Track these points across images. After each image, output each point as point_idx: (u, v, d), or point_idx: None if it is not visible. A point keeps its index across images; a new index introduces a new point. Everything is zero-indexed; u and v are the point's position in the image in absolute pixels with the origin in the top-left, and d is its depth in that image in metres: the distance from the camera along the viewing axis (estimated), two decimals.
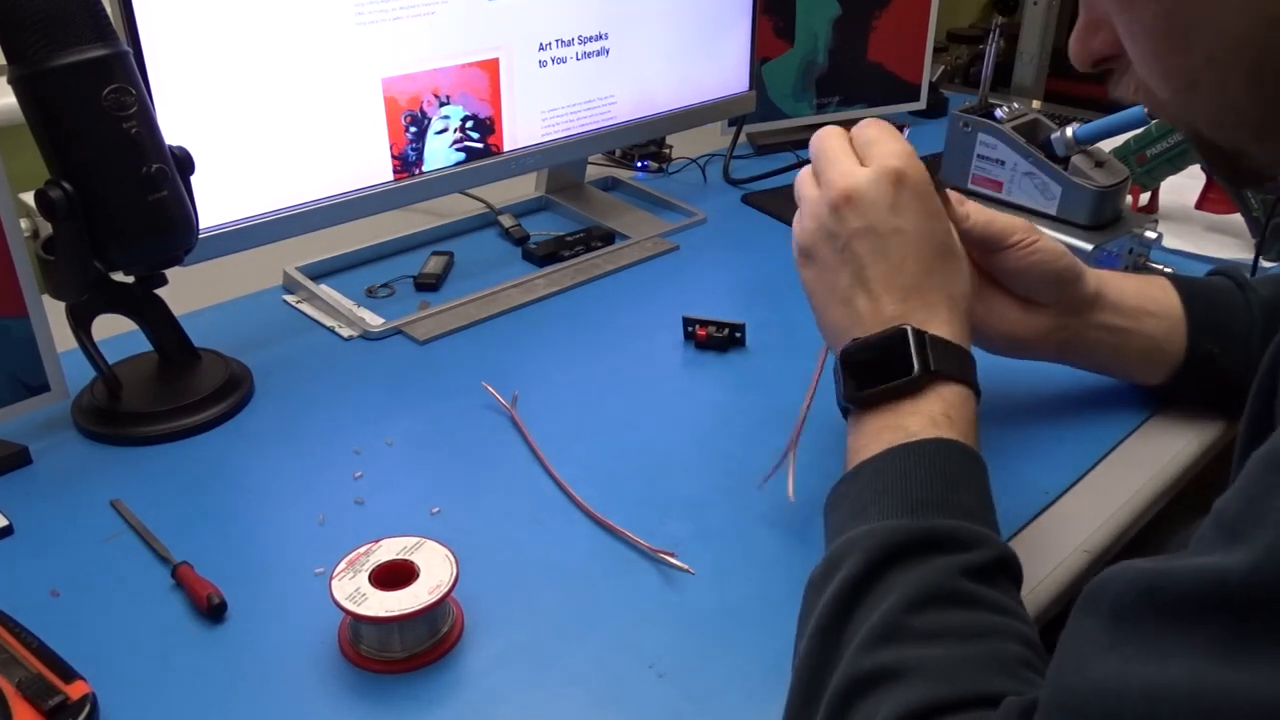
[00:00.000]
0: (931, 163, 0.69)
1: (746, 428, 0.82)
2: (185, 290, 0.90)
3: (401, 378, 0.90)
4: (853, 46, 1.46)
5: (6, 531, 0.70)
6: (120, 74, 0.73)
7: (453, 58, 1.00)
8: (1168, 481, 0.76)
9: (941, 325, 0.61)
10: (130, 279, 0.82)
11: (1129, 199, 1.13)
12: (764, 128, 1.44)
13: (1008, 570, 0.53)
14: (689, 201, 1.26)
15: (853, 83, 1.48)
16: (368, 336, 0.96)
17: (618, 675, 0.59)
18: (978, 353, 0.64)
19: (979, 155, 1.11)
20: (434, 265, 1.08)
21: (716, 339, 0.93)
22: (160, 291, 0.84)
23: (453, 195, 1.13)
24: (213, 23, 0.84)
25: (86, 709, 0.54)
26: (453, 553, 0.62)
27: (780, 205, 1.25)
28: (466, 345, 0.95)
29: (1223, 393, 0.78)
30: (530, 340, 0.96)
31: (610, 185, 1.34)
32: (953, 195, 0.69)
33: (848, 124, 0.66)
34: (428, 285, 1.05)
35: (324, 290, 1.03)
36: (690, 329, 0.94)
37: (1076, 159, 1.04)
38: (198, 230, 0.80)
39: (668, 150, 1.40)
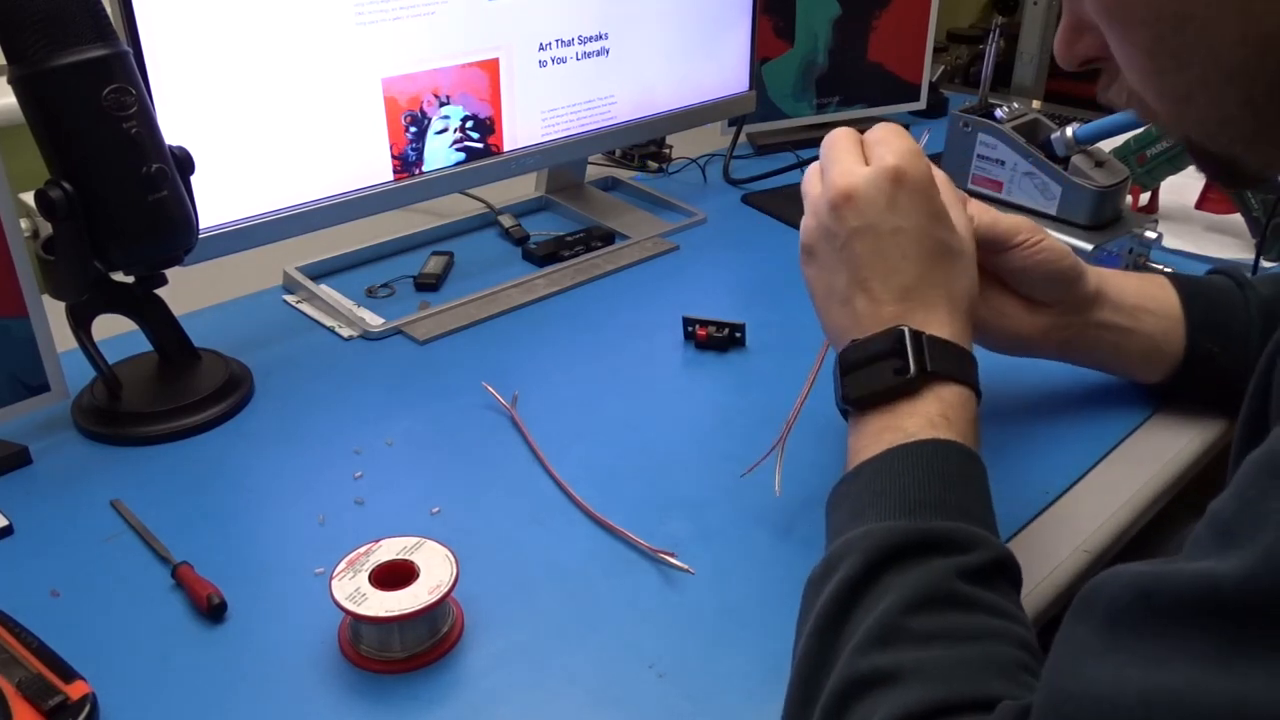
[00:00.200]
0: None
1: (746, 428, 0.82)
2: (185, 290, 0.90)
3: (401, 378, 0.90)
4: (853, 46, 1.46)
5: (6, 531, 0.70)
6: (120, 74, 0.73)
7: (453, 58, 1.00)
8: (1168, 481, 0.76)
9: (940, 325, 0.61)
10: (130, 279, 0.82)
11: (1129, 199, 1.13)
12: (764, 128, 1.44)
13: (1005, 572, 0.53)
14: (689, 201, 1.26)
15: (853, 83, 1.48)
16: (368, 336, 0.96)
17: (618, 675, 0.59)
18: (979, 352, 0.64)
19: (979, 155, 1.11)
20: (434, 265, 1.08)
21: (716, 339, 0.93)
22: (160, 291, 0.84)
23: (453, 195, 1.13)
24: (213, 23, 0.84)
25: (86, 709, 0.54)
26: (453, 553, 0.62)
27: (780, 205, 1.25)
28: (466, 345, 0.95)
29: (1222, 392, 0.78)
30: (530, 340, 0.96)
31: (610, 185, 1.34)
32: (960, 195, 0.69)
33: (850, 125, 0.66)
34: (428, 285, 1.05)
35: (324, 290, 1.03)
36: (690, 329, 0.94)
37: (1076, 159, 1.04)
38: (198, 230, 0.80)
39: (668, 150, 1.40)
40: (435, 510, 0.72)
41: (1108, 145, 1.07)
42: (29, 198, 0.81)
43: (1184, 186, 1.18)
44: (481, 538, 0.69)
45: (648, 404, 0.86)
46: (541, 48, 1.07)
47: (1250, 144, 0.45)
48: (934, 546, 0.51)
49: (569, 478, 0.75)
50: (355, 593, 0.59)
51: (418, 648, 0.60)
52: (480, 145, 1.06)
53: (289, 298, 1.04)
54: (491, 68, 1.04)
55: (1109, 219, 1.04)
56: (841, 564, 0.52)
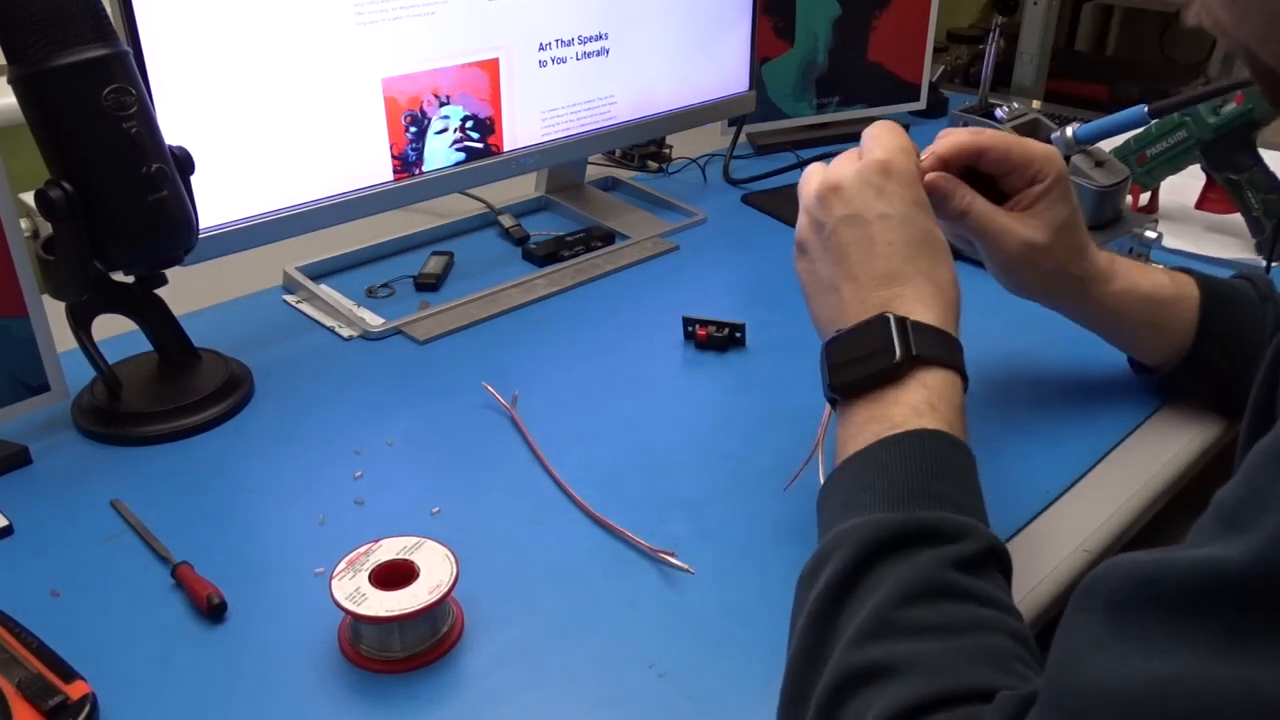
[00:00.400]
0: None
1: (746, 428, 0.82)
2: (185, 290, 0.90)
3: (401, 378, 0.90)
4: (853, 46, 1.46)
5: (6, 531, 0.70)
6: (120, 74, 0.73)
7: (453, 58, 1.00)
8: (1168, 481, 0.76)
9: (925, 312, 0.61)
10: (130, 279, 0.82)
11: (1129, 199, 1.13)
12: (764, 128, 1.44)
13: (996, 560, 0.53)
14: (689, 201, 1.26)
15: (853, 83, 1.48)
16: (368, 336, 0.96)
17: (618, 675, 0.59)
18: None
19: None
20: (434, 265, 1.08)
21: (716, 339, 0.93)
22: (160, 291, 0.84)
23: (453, 195, 1.13)
24: (213, 23, 0.84)
25: (86, 709, 0.54)
26: (453, 553, 0.62)
27: (780, 205, 1.25)
28: (466, 345, 0.95)
29: (1223, 391, 0.78)
30: (530, 340, 0.96)
31: (610, 185, 1.34)
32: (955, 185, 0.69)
33: (850, 125, 0.66)
34: (428, 285, 1.05)
35: (324, 290, 1.03)
36: (690, 329, 0.94)
37: (1076, 159, 1.04)
38: (198, 230, 0.80)
39: (668, 150, 1.40)
40: (435, 510, 0.72)
41: (1108, 145, 1.07)
42: (29, 198, 0.81)
43: (1184, 186, 1.18)
44: (481, 538, 0.69)
45: (648, 404, 0.86)
46: (541, 48, 1.07)
47: None
48: (924, 537, 0.51)
49: (569, 478, 0.75)
50: (355, 592, 0.59)
51: (418, 647, 0.60)
52: (480, 145, 1.06)
53: (289, 298, 1.04)
54: (491, 68, 1.04)
55: (1109, 219, 1.04)
56: (832, 558, 0.52)
